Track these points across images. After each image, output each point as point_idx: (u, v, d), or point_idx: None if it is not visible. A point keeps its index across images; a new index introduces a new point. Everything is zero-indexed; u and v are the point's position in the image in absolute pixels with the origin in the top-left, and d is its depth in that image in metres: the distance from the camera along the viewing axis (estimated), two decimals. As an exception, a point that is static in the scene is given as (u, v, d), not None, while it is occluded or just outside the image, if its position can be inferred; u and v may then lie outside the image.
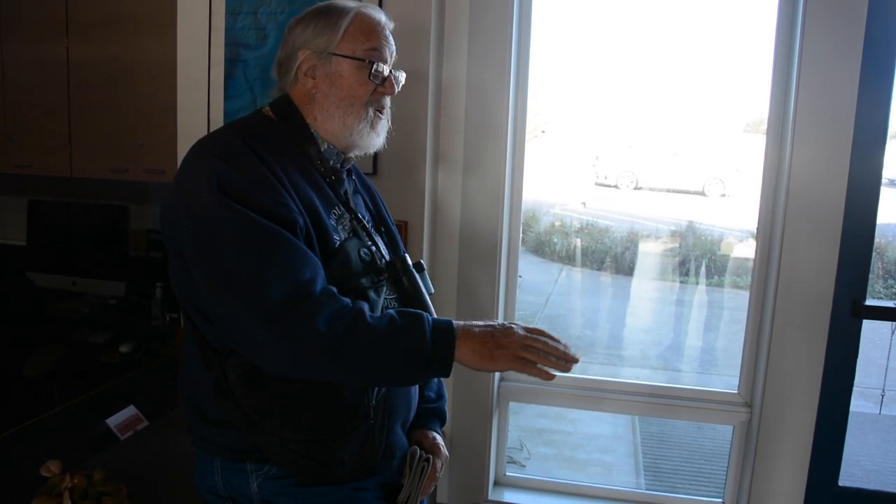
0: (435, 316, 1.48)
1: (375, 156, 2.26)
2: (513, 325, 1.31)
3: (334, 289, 1.26)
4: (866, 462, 3.56)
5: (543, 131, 3.72)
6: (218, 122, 2.38)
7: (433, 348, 1.25)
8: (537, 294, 4.19)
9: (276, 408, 1.32)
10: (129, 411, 2.12)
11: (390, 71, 1.45)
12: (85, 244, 3.53)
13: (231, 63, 2.37)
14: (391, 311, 1.29)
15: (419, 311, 1.31)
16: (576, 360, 1.33)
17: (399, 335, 1.25)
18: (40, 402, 2.69)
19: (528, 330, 1.31)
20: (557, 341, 1.32)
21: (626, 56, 3.38)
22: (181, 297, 1.38)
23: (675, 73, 3.40)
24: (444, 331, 1.27)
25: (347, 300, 1.26)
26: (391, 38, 1.47)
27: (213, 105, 2.40)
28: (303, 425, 1.33)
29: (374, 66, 1.41)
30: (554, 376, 1.33)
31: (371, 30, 1.43)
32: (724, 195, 4.07)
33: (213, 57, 2.38)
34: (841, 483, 2.39)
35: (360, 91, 1.42)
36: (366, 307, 1.27)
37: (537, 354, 1.29)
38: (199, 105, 2.41)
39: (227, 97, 2.39)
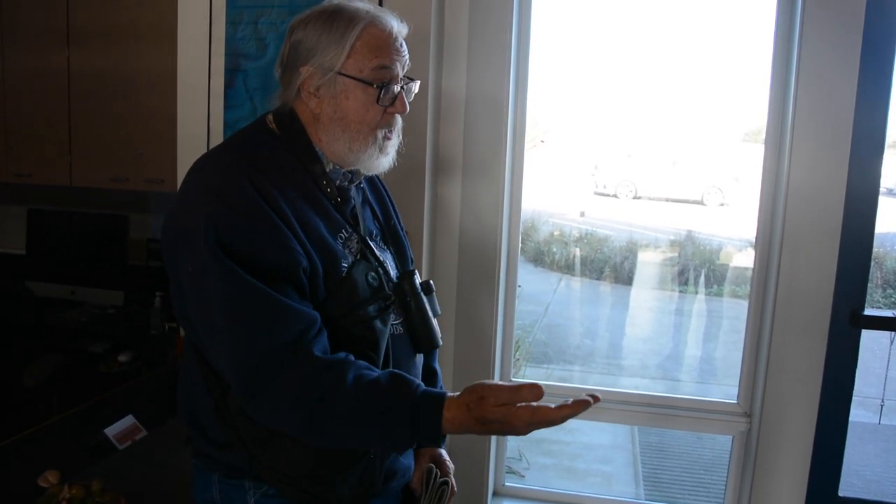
0: (439, 340, 1.46)
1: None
2: (510, 420, 1.15)
3: (318, 347, 1.21)
4: (866, 472, 3.55)
5: (543, 141, 3.73)
6: (218, 131, 2.38)
7: (417, 431, 1.17)
8: (536, 303, 4.20)
9: (275, 442, 1.30)
10: (128, 421, 2.12)
11: (402, 87, 1.35)
12: (84, 253, 3.52)
13: (231, 73, 2.38)
14: (381, 376, 1.22)
15: (409, 381, 1.22)
16: (594, 400, 1.22)
17: (382, 408, 1.18)
18: (38, 411, 2.68)
19: (530, 418, 1.16)
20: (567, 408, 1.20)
21: (625, 66, 3.39)
22: (181, 319, 1.35)
23: (674, 82, 3.42)
24: (430, 416, 1.17)
25: (328, 359, 1.21)
26: (404, 46, 1.35)
27: (213, 114, 2.40)
28: (301, 461, 1.31)
29: (383, 90, 1.31)
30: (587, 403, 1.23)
31: (381, 45, 1.31)
32: (723, 204, 4.09)
33: (214, 67, 2.39)
34: (841, 493, 2.38)
35: (369, 116, 1.33)
36: (350, 369, 1.20)
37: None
38: (199, 114, 2.41)
39: (227, 107, 2.39)
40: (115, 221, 3.46)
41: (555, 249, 4.29)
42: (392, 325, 1.39)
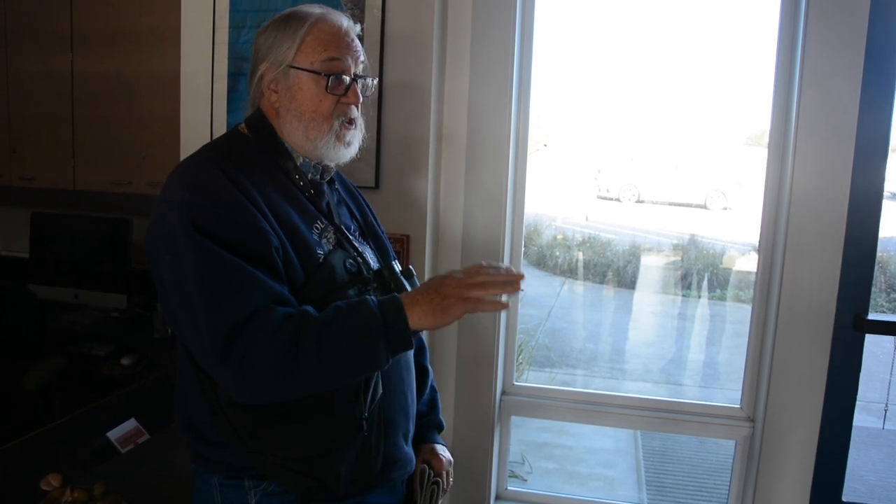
0: None
1: (377, 170, 2.27)
2: (450, 273, 1.31)
3: (282, 307, 1.25)
4: (870, 477, 3.54)
5: (545, 145, 3.73)
6: (220, 135, 2.38)
7: (384, 320, 1.25)
8: (539, 307, 4.19)
9: (268, 427, 1.32)
10: (130, 424, 2.12)
11: (354, 78, 1.42)
12: (87, 256, 3.53)
13: (234, 77, 2.38)
14: (337, 304, 1.29)
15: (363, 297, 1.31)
16: (521, 277, 1.30)
17: (347, 319, 1.25)
18: (41, 414, 2.68)
19: (465, 271, 1.30)
20: (498, 268, 1.30)
21: (628, 69, 3.39)
22: (171, 321, 1.38)
23: (677, 86, 3.41)
24: (390, 301, 1.28)
25: (290, 309, 1.26)
26: (356, 43, 1.44)
27: (216, 118, 2.41)
28: (296, 442, 1.33)
29: (331, 78, 1.38)
30: (507, 304, 1.32)
31: (330, 38, 1.40)
32: (726, 208, 4.07)
33: (217, 71, 2.39)
34: (844, 498, 2.37)
35: (322, 106, 1.40)
36: (310, 308, 1.27)
37: (484, 288, 1.27)
38: (202, 118, 2.42)
39: (229, 111, 2.39)
40: (118, 225, 3.46)
41: (558, 253, 4.29)
42: None
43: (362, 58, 1.46)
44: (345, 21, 1.43)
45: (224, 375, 1.24)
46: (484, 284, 1.27)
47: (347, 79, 1.41)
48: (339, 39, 1.41)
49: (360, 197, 1.66)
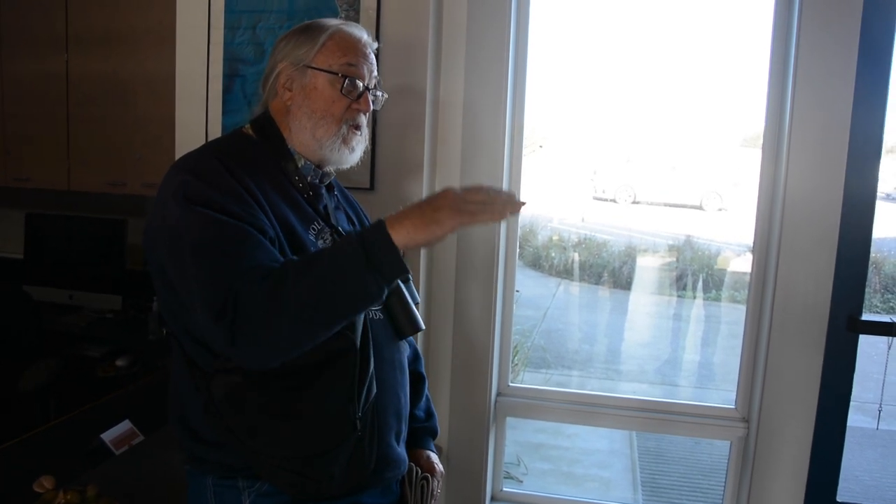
0: (421, 324, 1.51)
1: (372, 171, 2.27)
2: (446, 188, 1.27)
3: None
4: (864, 477, 3.55)
5: (541, 146, 3.73)
6: (215, 136, 2.37)
7: (363, 239, 1.23)
8: (535, 308, 4.20)
9: (262, 426, 1.32)
10: (124, 426, 2.12)
11: (366, 88, 1.46)
12: (82, 258, 3.53)
13: (229, 78, 2.38)
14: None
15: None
16: (522, 203, 1.28)
17: (326, 249, 1.29)
18: (35, 416, 2.68)
19: (464, 189, 1.27)
20: (499, 191, 1.27)
21: (624, 70, 3.40)
22: (168, 318, 1.39)
23: (673, 87, 3.42)
24: (372, 223, 1.27)
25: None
26: (372, 57, 1.49)
27: (212, 119, 2.40)
28: (289, 441, 1.33)
29: (347, 80, 1.42)
30: (505, 215, 1.28)
31: (349, 46, 1.45)
32: (721, 209, 4.08)
33: (212, 72, 2.39)
34: (839, 499, 2.37)
35: (335, 107, 1.43)
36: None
37: (483, 208, 1.25)
38: (197, 119, 2.42)
39: (225, 112, 2.39)
40: (113, 226, 3.46)
41: (553, 254, 4.29)
42: (371, 310, 1.43)
43: (376, 72, 1.50)
44: (364, 34, 1.49)
45: (220, 332, 1.20)
46: (482, 203, 1.25)
47: (361, 85, 1.45)
48: (357, 49, 1.46)
49: (358, 207, 1.69)
